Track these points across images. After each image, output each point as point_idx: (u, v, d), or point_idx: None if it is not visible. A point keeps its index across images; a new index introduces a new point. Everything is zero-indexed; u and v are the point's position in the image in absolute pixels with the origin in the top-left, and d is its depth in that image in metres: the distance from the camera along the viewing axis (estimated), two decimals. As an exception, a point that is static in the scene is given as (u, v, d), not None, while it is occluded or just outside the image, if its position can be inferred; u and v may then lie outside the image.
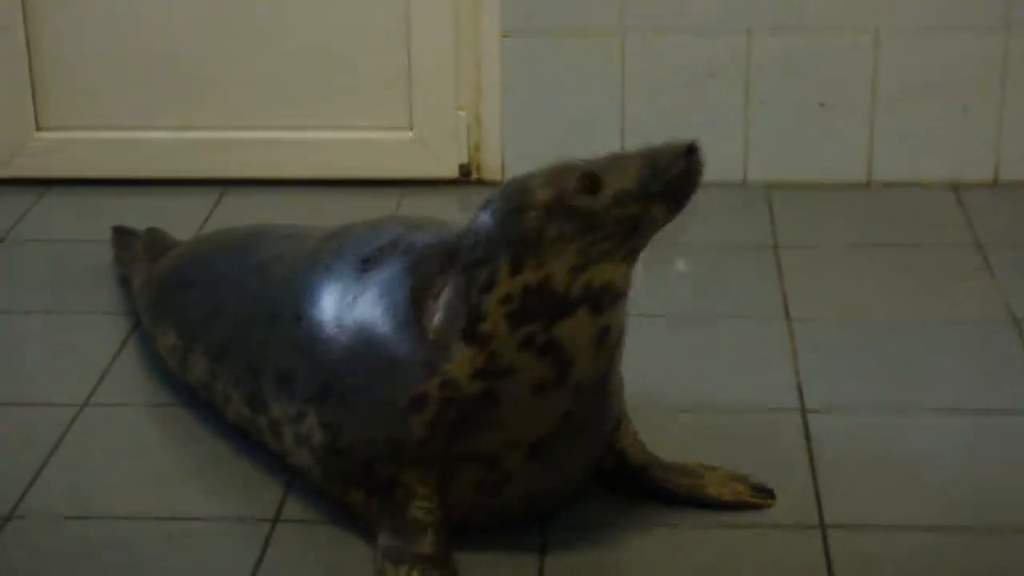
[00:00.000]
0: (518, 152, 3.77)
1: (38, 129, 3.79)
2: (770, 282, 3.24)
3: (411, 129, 3.76)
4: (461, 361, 2.29)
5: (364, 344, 2.39)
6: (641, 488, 2.52)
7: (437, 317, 2.33)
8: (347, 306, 2.44)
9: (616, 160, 2.27)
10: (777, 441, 2.69)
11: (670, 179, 2.24)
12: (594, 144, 3.68)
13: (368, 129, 3.78)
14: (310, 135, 3.78)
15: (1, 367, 3.02)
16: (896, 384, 2.87)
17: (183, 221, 3.55)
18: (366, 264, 2.46)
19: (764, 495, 2.51)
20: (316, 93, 3.76)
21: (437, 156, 3.76)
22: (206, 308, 2.73)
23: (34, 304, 3.24)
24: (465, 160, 3.76)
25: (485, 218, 2.29)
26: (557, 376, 2.29)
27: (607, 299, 2.28)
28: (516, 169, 3.71)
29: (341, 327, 2.43)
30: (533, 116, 3.74)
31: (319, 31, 3.72)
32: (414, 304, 2.36)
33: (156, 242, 3.20)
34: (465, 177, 3.78)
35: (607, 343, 2.31)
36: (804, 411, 2.77)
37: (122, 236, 3.35)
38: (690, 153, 2.25)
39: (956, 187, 3.65)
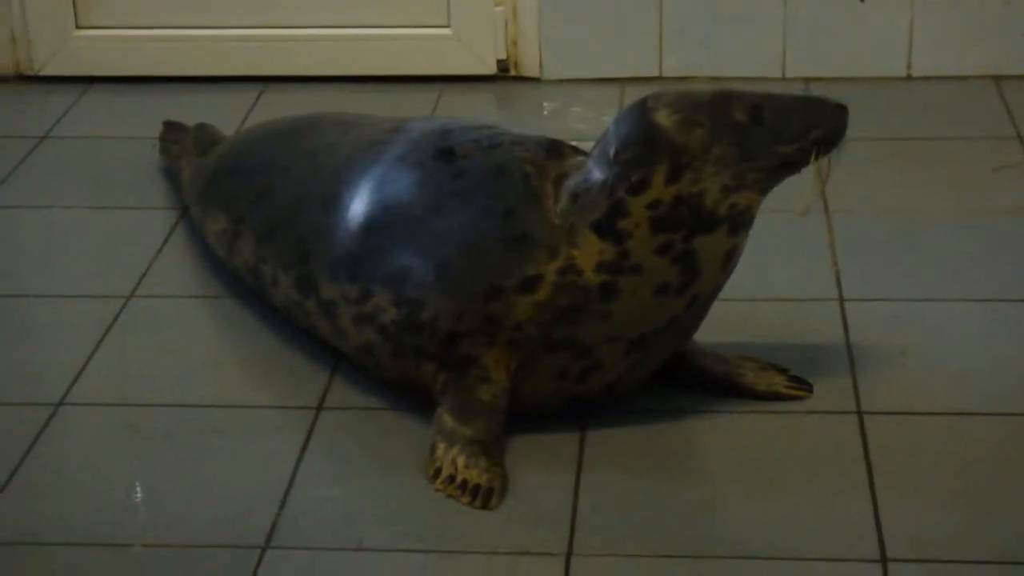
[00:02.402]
0: (556, 48, 3.76)
1: (78, 27, 3.80)
2: (808, 173, 3.24)
3: (449, 26, 3.76)
4: (589, 251, 2.35)
5: (470, 224, 2.41)
6: (679, 375, 2.54)
7: (564, 202, 2.38)
8: (436, 192, 2.46)
9: (779, 101, 2.37)
10: (815, 331, 2.71)
11: (825, 130, 2.36)
12: (631, 41, 3.71)
13: (406, 26, 3.78)
14: (349, 32, 3.78)
15: (47, 261, 3.06)
16: (934, 275, 2.88)
17: (223, 118, 3.56)
18: (451, 155, 2.49)
19: (800, 387, 2.53)
20: (355, -10, 3.77)
21: (475, 52, 3.76)
22: (255, 191, 2.76)
23: (77, 200, 3.27)
24: (503, 56, 3.76)
25: (646, 120, 2.34)
26: (681, 283, 2.36)
27: (743, 222, 2.37)
28: (554, 65, 3.76)
29: (431, 208, 2.45)
30: (570, 11, 3.72)
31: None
32: (533, 189, 2.40)
33: (206, 137, 3.21)
34: (503, 73, 3.78)
35: (731, 263, 2.40)
36: (842, 301, 2.79)
37: (172, 130, 3.37)
38: (843, 111, 2.38)
39: (997, 80, 3.63)
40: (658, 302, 2.37)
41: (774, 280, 2.86)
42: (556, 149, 2.48)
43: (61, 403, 2.58)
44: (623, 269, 2.35)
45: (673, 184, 2.32)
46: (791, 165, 2.37)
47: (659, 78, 3.72)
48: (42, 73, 3.81)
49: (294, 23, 3.79)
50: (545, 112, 3.67)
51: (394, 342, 2.47)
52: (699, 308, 2.43)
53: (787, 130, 2.34)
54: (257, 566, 2.21)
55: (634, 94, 3.63)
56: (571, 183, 2.39)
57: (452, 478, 2.35)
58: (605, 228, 2.35)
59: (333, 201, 2.57)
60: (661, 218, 2.33)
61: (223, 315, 2.83)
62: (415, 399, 2.52)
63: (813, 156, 2.36)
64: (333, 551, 2.24)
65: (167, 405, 2.58)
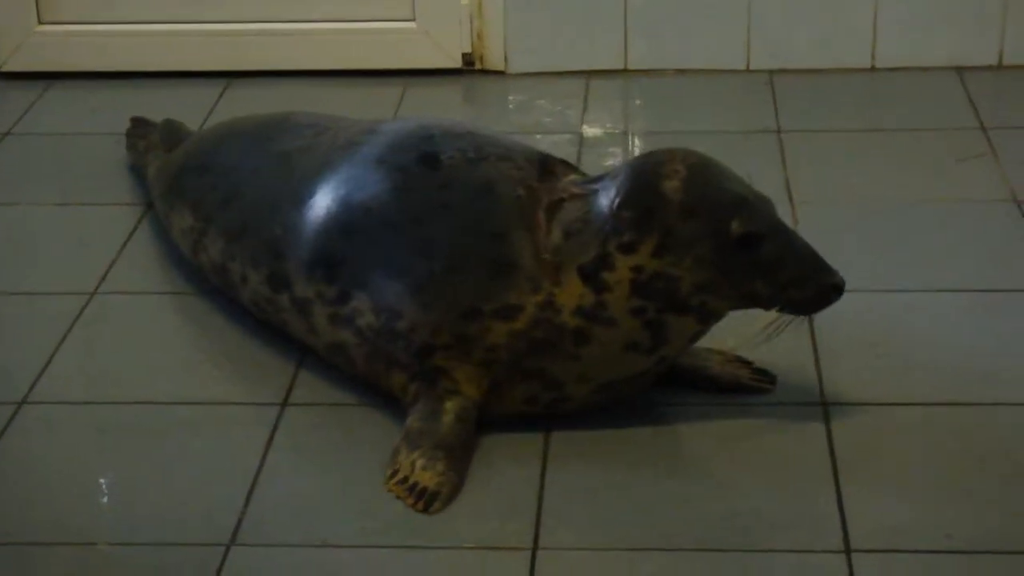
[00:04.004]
0: (521, 41, 3.76)
1: (40, 23, 3.78)
2: (773, 167, 3.25)
3: (414, 19, 3.75)
4: (570, 292, 2.37)
5: (456, 241, 2.42)
6: None
7: (555, 238, 2.38)
8: (421, 201, 2.46)
9: (789, 241, 2.37)
10: (780, 322, 2.71)
11: (804, 296, 2.37)
12: (595, 34, 3.71)
13: (371, 20, 3.77)
14: (314, 27, 3.77)
15: (11, 258, 3.04)
16: (898, 266, 2.89)
17: (188, 113, 3.55)
18: (436, 163, 2.49)
19: (764, 379, 2.54)
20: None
21: (440, 46, 3.76)
22: (224, 191, 2.75)
23: (41, 196, 3.25)
24: (468, 50, 3.76)
25: (655, 186, 2.34)
26: (650, 346, 2.39)
27: (712, 317, 2.39)
28: (519, 58, 3.76)
29: (415, 218, 2.45)
30: (535, 5, 3.72)
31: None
32: (524, 215, 2.41)
33: (173, 133, 3.20)
34: (468, 67, 3.77)
35: (698, 339, 2.43)
36: (807, 293, 2.79)
37: (139, 126, 3.35)
38: (834, 292, 2.38)
39: (960, 71, 3.65)
40: (627, 357, 2.40)
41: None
42: (547, 168, 2.48)
43: (24, 401, 2.57)
44: (598, 319, 2.37)
45: (656, 259, 2.34)
46: (755, 301, 2.37)
47: (624, 71, 3.72)
48: (4, 69, 3.78)
49: (258, 18, 3.77)
50: (511, 105, 3.67)
51: (369, 345, 2.47)
52: (668, 365, 2.46)
53: (772, 271, 2.34)
54: (222, 563, 2.21)
55: (599, 87, 3.66)
56: (565, 219, 2.39)
57: (405, 479, 2.34)
58: (590, 274, 2.36)
59: (309, 201, 2.56)
60: (641, 284, 2.35)
61: (188, 311, 2.82)
62: (382, 395, 2.52)
63: (777, 309, 2.37)
64: (298, 547, 2.24)
65: (131, 402, 2.57)
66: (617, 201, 2.36)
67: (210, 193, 2.78)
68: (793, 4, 3.68)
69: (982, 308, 2.76)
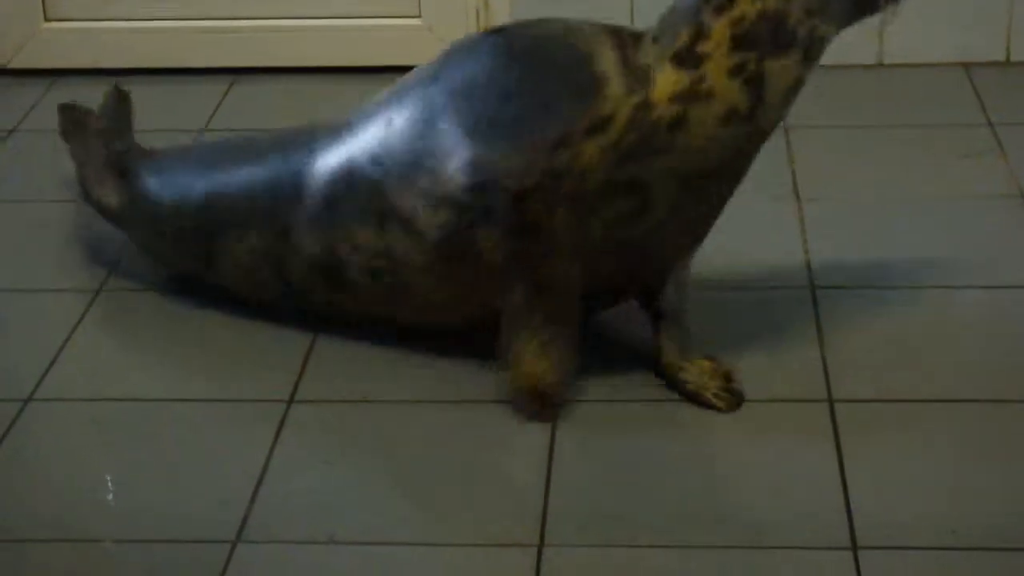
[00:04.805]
0: (527, 37, 3.74)
1: (46, 20, 3.78)
2: (780, 163, 3.24)
3: (420, 16, 3.75)
4: (664, 84, 2.37)
5: (529, 73, 2.42)
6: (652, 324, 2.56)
7: (645, 46, 2.39)
8: (502, 62, 2.46)
9: None
10: (787, 317, 2.71)
11: None
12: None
13: (377, 16, 3.77)
14: (320, 23, 3.77)
15: (17, 256, 3.04)
16: (906, 262, 2.88)
17: (194, 110, 3.56)
18: (502, 30, 2.52)
19: (727, 399, 2.49)
20: (325, -20, 3.76)
21: (446, 42, 3.72)
22: (288, 191, 2.64)
23: (46, 193, 3.25)
24: (474, 46, 3.75)
25: None
26: (748, 111, 2.38)
27: (816, 52, 2.39)
28: (525, 55, 3.74)
29: (496, 73, 2.45)
30: (541, 1, 3.71)
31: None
32: (611, 39, 2.43)
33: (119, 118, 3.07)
34: (474, 63, 3.77)
35: (793, 97, 2.42)
36: (813, 288, 2.79)
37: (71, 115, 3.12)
38: None
39: (967, 67, 3.64)
40: (723, 130, 2.38)
41: (745, 267, 2.86)
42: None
43: (30, 399, 2.57)
44: (695, 96, 2.36)
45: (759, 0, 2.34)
46: (871, 7, 2.43)
47: (630, 67, 3.71)
48: (10, 66, 3.78)
49: (264, 14, 3.77)
50: (517, 102, 3.66)
51: (450, 209, 2.45)
52: (751, 151, 2.43)
53: None
54: (228, 560, 2.21)
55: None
56: (652, 30, 2.42)
57: (519, 376, 2.40)
58: (684, 55, 2.36)
59: (384, 134, 2.53)
60: (741, 36, 2.34)
61: (191, 308, 2.82)
62: (390, 389, 2.52)
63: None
64: (305, 544, 2.24)
65: (137, 400, 2.57)
66: None
67: (273, 201, 2.66)
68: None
69: (990, 304, 2.75)
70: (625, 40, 2.44)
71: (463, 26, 3.73)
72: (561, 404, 2.34)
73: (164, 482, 2.38)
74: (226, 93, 3.69)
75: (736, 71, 2.35)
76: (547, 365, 2.36)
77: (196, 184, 2.76)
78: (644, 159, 2.38)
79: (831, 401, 2.49)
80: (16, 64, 3.78)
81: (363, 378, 2.58)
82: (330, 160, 2.59)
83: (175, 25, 3.77)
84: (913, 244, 2.95)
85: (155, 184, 2.81)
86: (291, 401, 2.55)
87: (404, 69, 3.72)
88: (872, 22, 2.48)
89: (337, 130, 2.62)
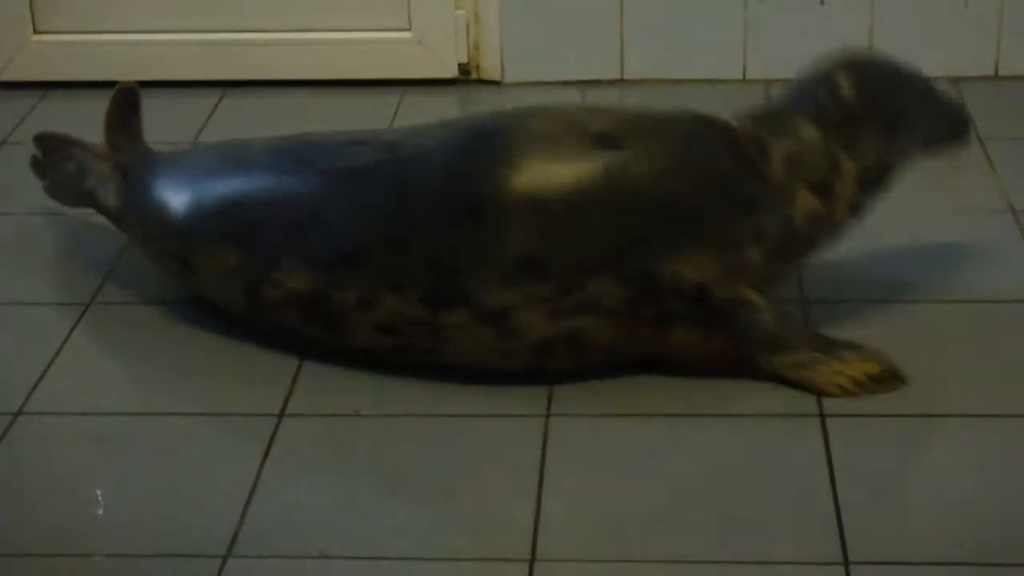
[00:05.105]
0: (517, 51, 3.76)
1: (36, 32, 3.78)
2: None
3: (410, 29, 3.75)
4: (802, 206, 2.57)
5: (684, 195, 2.52)
6: None
7: (778, 163, 2.56)
8: (616, 178, 2.49)
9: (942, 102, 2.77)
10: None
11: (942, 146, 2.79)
12: (592, 43, 3.71)
13: (367, 30, 3.77)
14: (310, 36, 3.77)
15: (7, 268, 3.04)
16: (896, 276, 2.89)
17: (184, 123, 3.56)
18: (610, 141, 2.52)
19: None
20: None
21: (436, 56, 3.76)
22: (291, 219, 2.59)
23: (35, 206, 3.24)
24: (464, 60, 3.76)
25: (864, 90, 2.60)
26: (845, 231, 2.67)
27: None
28: (515, 68, 3.76)
29: (623, 196, 2.49)
30: (532, 14, 3.72)
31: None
32: (739, 150, 2.57)
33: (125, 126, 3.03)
34: (465, 76, 3.78)
35: None
36: (805, 301, 2.79)
37: (53, 144, 3.11)
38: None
39: (957, 81, 3.65)
40: (829, 243, 2.67)
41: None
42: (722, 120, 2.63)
43: (20, 412, 2.56)
44: (825, 223, 2.60)
45: (883, 153, 2.61)
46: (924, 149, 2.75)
47: (620, 80, 3.72)
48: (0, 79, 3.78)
49: (254, 27, 3.77)
50: (507, 115, 3.66)
51: (623, 316, 2.49)
52: None
53: (917, 136, 2.71)
54: (219, 575, 2.20)
55: (595, 96, 3.66)
56: (782, 146, 2.57)
57: (855, 381, 2.50)
58: (821, 187, 2.58)
59: (477, 213, 2.49)
60: (865, 182, 2.61)
61: (182, 321, 2.81)
62: (380, 403, 2.52)
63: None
64: (296, 559, 2.23)
65: (127, 413, 2.57)
66: (837, 103, 2.58)
67: (268, 225, 2.61)
68: (789, 14, 3.68)
69: (980, 319, 2.75)
70: (751, 151, 2.57)
71: (452, 40, 3.73)
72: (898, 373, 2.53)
73: (155, 496, 2.37)
74: (216, 106, 3.69)
75: (853, 205, 2.63)
76: (860, 364, 2.52)
77: (183, 191, 2.74)
78: (787, 263, 2.63)
79: (822, 416, 2.49)
80: (6, 77, 3.78)
81: (354, 392, 2.58)
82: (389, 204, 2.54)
83: (165, 38, 3.77)
84: (902, 258, 2.96)
85: (148, 186, 2.81)
86: (282, 415, 2.54)
87: (395, 83, 3.76)
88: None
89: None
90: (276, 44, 3.77)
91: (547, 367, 2.55)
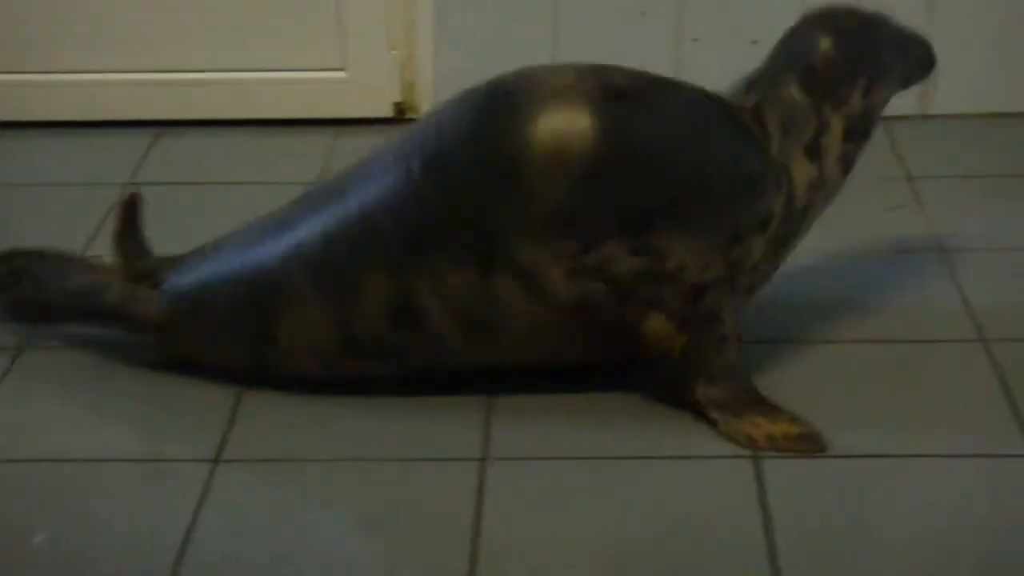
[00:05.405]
0: (452, 89, 3.74)
1: (-37, 72, 3.76)
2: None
3: (344, 68, 3.75)
4: (800, 175, 2.59)
5: (699, 168, 2.50)
6: None
7: (776, 134, 2.57)
8: (637, 134, 2.48)
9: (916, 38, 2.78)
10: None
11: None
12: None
13: (302, 69, 3.77)
14: (244, 76, 3.77)
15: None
16: (826, 316, 2.90)
17: (119, 163, 3.55)
18: (623, 95, 2.50)
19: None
20: (250, 34, 3.74)
21: (371, 95, 3.76)
22: (349, 243, 2.57)
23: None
24: (399, 99, 3.77)
25: (843, 44, 2.63)
26: (839, 187, 2.67)
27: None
28: (451, 107, 3.76)
29: (642, 152, 2.47)
30: (465, 53, 3.74)
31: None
32: (743, 126, 2.56)
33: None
34: (400, 115, 3.78)
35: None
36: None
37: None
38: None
39: (886, 120, 3.67)
40: (825, 207, 2.67)
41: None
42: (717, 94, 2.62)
43: (-50, 461, 2.54)
44: (820, 184, 2.61)
45: (865, 98, 2.64)
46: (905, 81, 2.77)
47: (555, 120, 3.73)
48: (-76, 120, 3.75)
49: (189, 67, 3.76)
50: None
51: (624, 292, 2.48)
52: None
53: (915, 68, 2.78)
54: (153, 626, 2.19)
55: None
56: (775, 115, 2.58)
57: (771, 438, 2.48)
58: (812, 149, 2.59)
59: (493, 174, 2.48)
60: (849, 131, 2.62)
61: (117, 366, 2.79)
62: (316, 447, 2.51)
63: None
64: (231, 608, 2.22)
65: (59, 460, 2.54)
66: (817, 67, 2.60)
67: (335, 256, 2.58)
68: (720, 53, 3.71)
69: (909, 358, 2.78)
70: (752, 127, 2.57)
71: (387, 79, 3.74)
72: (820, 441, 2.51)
73: (87, 544, 2.35)
74: (151, 146, 3.67)
75: (842, 159, 2.63)
76: (786, 425, 2.50)
77: (243, 260, 2.66)
78: (787, 242, 2.62)
79: (755, 458, 2.50)
80: (-70, 117, 3.75)
81: (289, 436, 2.57)
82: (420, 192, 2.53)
83: (98, 78, 3.75)
84: (833, 298, 2.98)
85: (199, 275, 2.70)
86: (217, 460, 2.53)
87: (330, 122, 3.76)
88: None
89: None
90: (211, 84, 3.76)
91: (575, 350, 2.56)
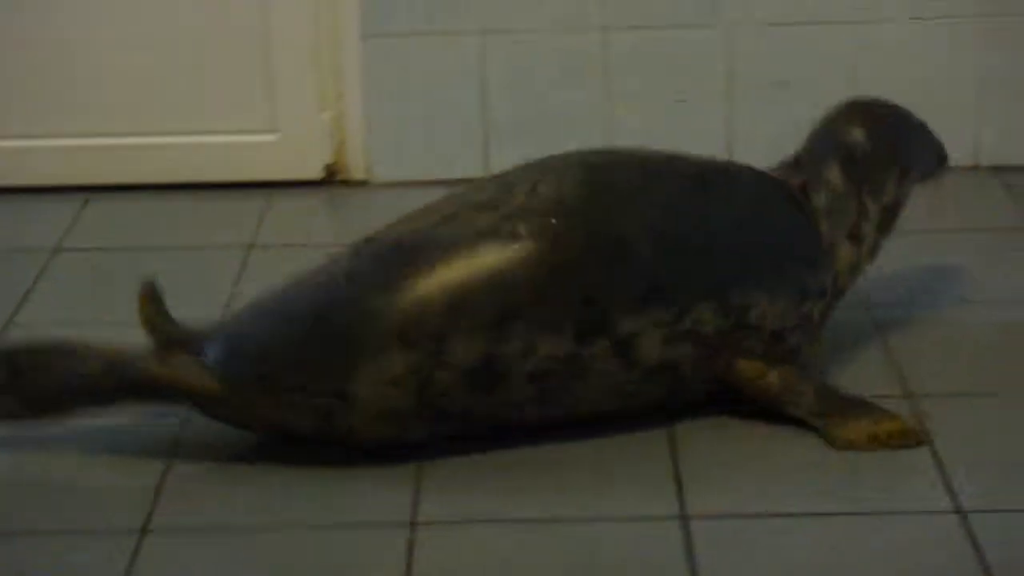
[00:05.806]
0: (383, 151, 3.78)
1: None
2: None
3: (275, 131, 3.76)
4: (844, 258, 2.79)
5: (770, 243, 2.71)
6: None
7: (822, 220, 2.75)
8: (716, 215, 2.70)
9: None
10: (642, 427, 2.73)
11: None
12: (456, 144, 3.75)
13: (233, 133, 3.77)
14: (175, 140, 3.77)
15: None
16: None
17: (48, 228, 3.53)
18: (703, 183, 2.72)
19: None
20: (181, 97, 3.75)
21: (302, 158, 3.77)
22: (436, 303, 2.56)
23: None
24: (330, 161, 3.78)
25: (879, 133, 2.83)
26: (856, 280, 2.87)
27: None
28: (382, 168, 3.78)
29: (723, 229, 2.68)
30: (396, 116, 3.75)
31: (182, 36, 3.71)
32: (801, 208, 2.75)
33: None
34: (331, 177, 3.79)
35: None
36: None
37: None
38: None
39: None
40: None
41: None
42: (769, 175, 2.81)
43: None
44: (856, 271, 2.82)
45: (899, 188, 2.84)
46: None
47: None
48: None
49: (118, 131, 3.76)
50: (375, 215, 3.64)
51: (711, 348, 2.64)
52: None
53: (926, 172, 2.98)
54: None
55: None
56: (821, 201, 2.76)
57: (875, 437, 2.62)
58: (854, 234, 2.78)
59: (598, 248, 2.60)
60: (882, 221, 2.82)
61: (36, 433, 2.74)
62: (251, 513, 2.50)
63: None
64: None
65: (-15, 534, 2.52)
66: (859, 149, 2.79)
67: (424, 312, 2.55)
68: (649, 113, 3.74)
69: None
70: (805, 203, 2.76)
71: (318, 142, 3.75)
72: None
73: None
74: (80, 211, 3.65)
75: (872, 250, 2.84)
76: (888, 424, 2.63)
77: (306, 314, 2.59)
78: (822, 323, 2.80)
79: (684, 517, 2.50)
80: None
81: (217, 503, 2.55)
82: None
83: (25, 144, 3.74)
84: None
85: (251, 336, 2.61)
86: (144, 531, 2.50)
87: (262, 185, 3.76)
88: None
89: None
90: (140, 148, 3.75)
91: (638, 403, 2.68)
